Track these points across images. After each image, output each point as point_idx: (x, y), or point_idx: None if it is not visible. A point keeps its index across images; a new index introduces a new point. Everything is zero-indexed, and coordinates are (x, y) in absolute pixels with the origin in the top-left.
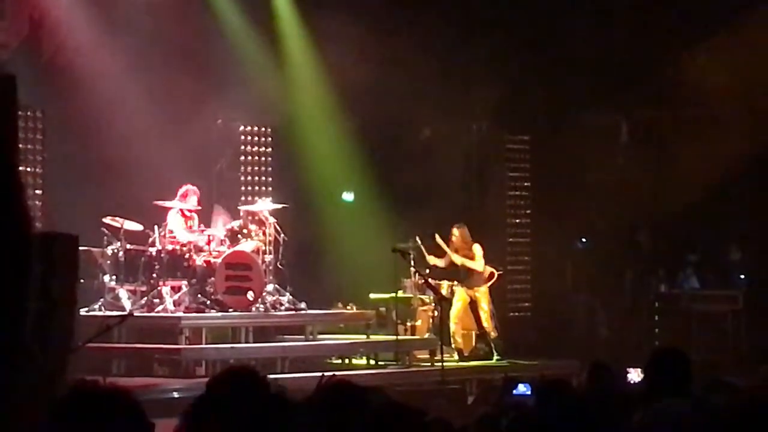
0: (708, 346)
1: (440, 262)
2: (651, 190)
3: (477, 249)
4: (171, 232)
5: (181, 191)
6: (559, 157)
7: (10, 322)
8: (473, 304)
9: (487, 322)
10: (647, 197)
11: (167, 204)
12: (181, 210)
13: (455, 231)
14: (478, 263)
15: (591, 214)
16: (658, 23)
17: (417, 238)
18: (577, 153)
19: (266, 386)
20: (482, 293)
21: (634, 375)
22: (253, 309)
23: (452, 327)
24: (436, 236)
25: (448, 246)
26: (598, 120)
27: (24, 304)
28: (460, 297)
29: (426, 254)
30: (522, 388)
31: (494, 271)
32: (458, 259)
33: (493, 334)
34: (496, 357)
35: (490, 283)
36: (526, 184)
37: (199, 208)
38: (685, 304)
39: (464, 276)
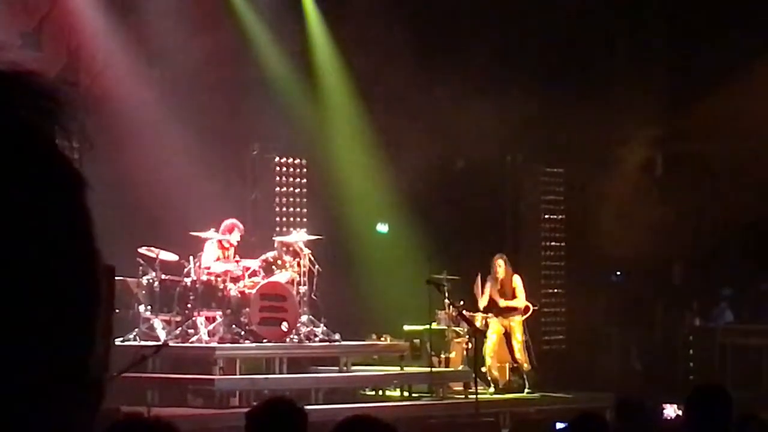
0: (743, 381)
1: (482, 301)
2: (685, 223)
3: (518, 281)
4: (206, 264)
5: (226, 223)
6: (593, 190)
7: (79, 354)
8: (507, 336)
9: (520, 353)
10: (681, 231)
11: (202, 234)
12: (219, 241)
13: (500, 262)
14: (519, 299)
15: (625, 248)
16: (696, 57)
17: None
18: (612, 185)
19: (304, 417)
20: (517, 323)
21: (671, 411)
22: (288, 340)
23: (488, 361)
24: (478, 280)
25: (493, 277)
26: (634, 153)
27: (94, 335)
28: (495, 330)
29: (480, 292)
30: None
31: (529, 305)
32: (502, 303)
33: (525, 366)
34: (526, 390)
35: (525, 317)
36: (560, 216)
37: (238, 241)
38: (719, 338)
39: (502, 306)
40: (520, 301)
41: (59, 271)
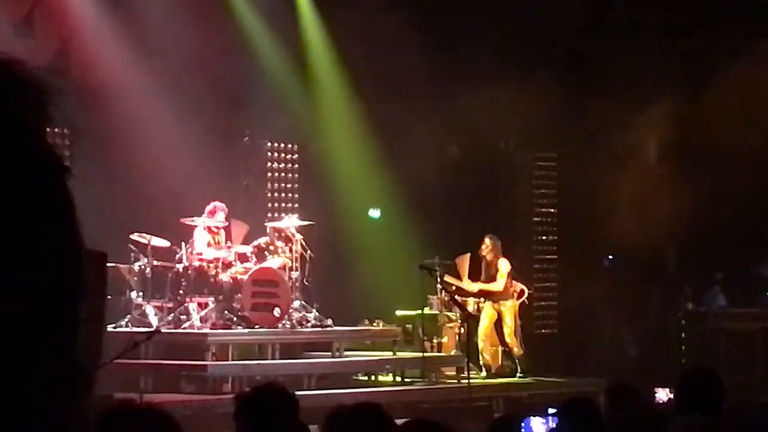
0: (736, 365)
1: (462, 285)
2: (678, 208)
3: (502, 265)
4: (197, 250)
5: (208, 208)
6: (586, 175)
7: (65, 343)
8: (498, 320)
9: (509, 338)
10: (674, 215)
11: (194, 221)
12: (208, 227)
13: (487, 241)
14: (498, 282)
15: (618, 232)
16: (688, 41)
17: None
18: (605, 171)
19: (294, 403)
20: (508, 308)
21: (662, 394)
22: (280, 326)
23: (480, 344)
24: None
25: (480, 256)
26: (626, 138)
27: (77, 324)
28: (488, 314)
29: (453, 278)
30: (537, 427)
31: (524, 288)
32: (475, 287)
33: (516, 350)
34: (518, 374)
35: (519, 301)
36: (553, 201)
37: (226, 224)
38: (712, 322)
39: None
40: (497, 284)
41: (40, 259)
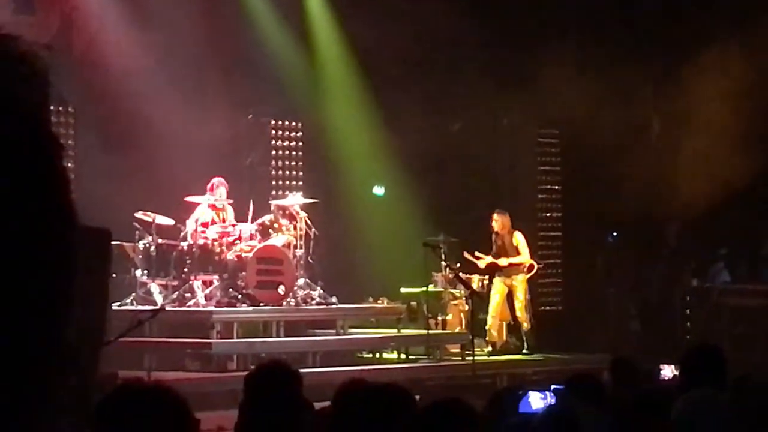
0: (740, 341)
1: (480, 263)
2: (682, 183)
3: (520, 237)
4: (204, 224)
5: (209, 184)
6: (589, 151)
7: (56, 320)
8: (509, 295)
9: (521, 312)
10: (678, 191)
11: (197, 198)
12: (212, 204)
13: (495, 216)
14: (524, 255)
15: (622, 208)
16: (691, 14)
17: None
18: (608, 146)
19: (299, 380)
20: (519, 282)
21: (668, 371)
22: (284, 303)
23: (489, 320)
24: (465, 255)
25: (491, 233)
26: (630, 113)
27: (70, 302)
28: (498, 289)
29: (472, 255)
30: (535, 402)
31: (534, 263)
32: (504, 261)
33: (525, 326)
34: (524, 350)
35: (529, 275)
36: (556, 177)
37: (230, 201)
38: (716, 298)
39: (503, 266)
40: (524, 257)
41: (30, 235)
